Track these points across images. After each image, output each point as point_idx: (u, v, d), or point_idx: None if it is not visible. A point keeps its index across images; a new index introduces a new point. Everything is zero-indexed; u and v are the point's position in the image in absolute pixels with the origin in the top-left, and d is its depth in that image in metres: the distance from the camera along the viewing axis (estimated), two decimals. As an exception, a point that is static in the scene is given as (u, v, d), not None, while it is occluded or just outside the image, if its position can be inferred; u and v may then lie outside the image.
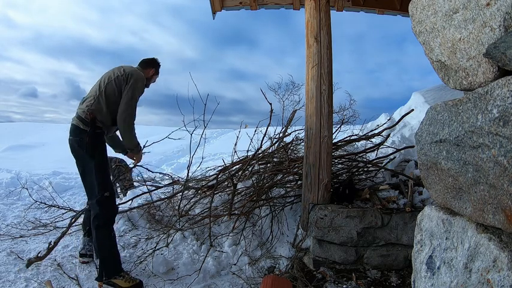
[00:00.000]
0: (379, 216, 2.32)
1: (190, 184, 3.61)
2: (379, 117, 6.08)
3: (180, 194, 3.33)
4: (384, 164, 3.46)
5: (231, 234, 2.78)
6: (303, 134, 3.13)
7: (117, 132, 2.48)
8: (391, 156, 3.57)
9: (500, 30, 0.71)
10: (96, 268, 2.23)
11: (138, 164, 2.87)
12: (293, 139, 4.05)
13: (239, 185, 3.22)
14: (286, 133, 4.20)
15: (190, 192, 3.63)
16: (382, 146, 3.78)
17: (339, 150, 3.91)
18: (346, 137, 4.09)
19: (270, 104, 3.56)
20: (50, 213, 3.64)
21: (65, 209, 3.54)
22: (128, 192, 3.86)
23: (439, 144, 0.89)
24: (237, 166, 3.61)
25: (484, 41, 0.76)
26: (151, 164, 4.16)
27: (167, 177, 4.21)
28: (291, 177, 3.29)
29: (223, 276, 2.41)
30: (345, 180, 2.94)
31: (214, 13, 3.41)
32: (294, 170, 3.24)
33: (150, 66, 2.54)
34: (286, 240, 2.76)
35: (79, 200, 4.64)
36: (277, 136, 4.16)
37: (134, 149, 2.45)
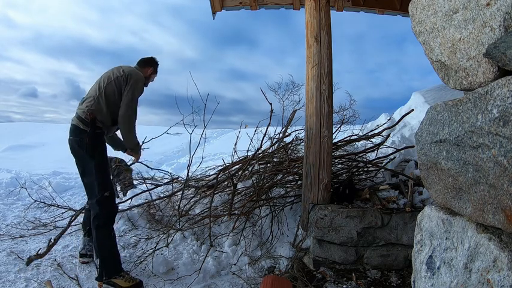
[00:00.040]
0: (379, 216, 2.32)
1: (190, 183, 3.61)
2: (379, 117, 6.09)
3: (180, 193, 3.33)
4: (383, 164, 3.46)
5: (231, 234, 2.78)
6: (303, 134, 3.13)
7: (117, 132, 2.50)
8: (391, 156, 3.57)
9: (500, 30, 0.71)
10: (96, 268, 2.23)
11: (137, 161, 2.89)
12: (293, 139, 4.05)
13: (239, 185, 3.22)
14: (286, 133, 4.20)
15: (190, 192, 3.64)
16: (382, 146, 3.78)
17: (339, 150, 3.91)
18: (346, 137, 4.09)
19: (270, 104, 3.57)
20: (49, 212, 3.65)
21: (64, 208, 3.55)
22: (128, 192, 3.87)
23: (439, 144, 0.89)
24: (237, 166, 3.61)
25: (484, 41, 0.76)
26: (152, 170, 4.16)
27: (167, 176, 4.21)
28: (291, 177, 3.29)
29: (223, 276, 2.41)
30: (345, 180, 2.94)
31: (214, 13, 3.41)
32: (294, 170, 3.24)
33: (149, 65, 2.56)
34: (286, 240, 2.76)
35: (79, 200, 4.64)
36: (277, 136, 4.16)
37: (134, 149, 2.49)
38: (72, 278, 2.27)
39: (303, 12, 2.79)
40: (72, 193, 5.06)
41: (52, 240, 2.57)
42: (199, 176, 4.11)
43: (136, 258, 2.57)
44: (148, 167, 3.79)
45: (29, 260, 2.36)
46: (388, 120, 5.49)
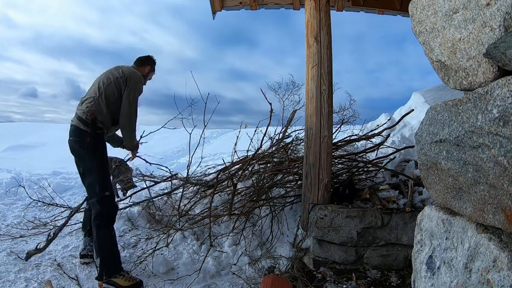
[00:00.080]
0: (379, 216, 2.32)
1: (190, 181, 3.61)
2: (379, 117, 6.08)
3: (180, 192, 3.34)
4: (383, 164, 3.46)
5: (231, 234, 2.78)
6: (303, 134, 3.13)
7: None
8: (391, 156, 3.57)
9: (500, 30, 0.71)
10: (97, 267, 2.24)
11: (134, 157, 2.91)
12: (293, 139, 4.05)
13: (239, 185, 3.22)
14: (286, 133, 4.20)
15: (190, 192, 3.64)
16: (382, 146, 3.78)
17: (339, 150, 3.91)
18: (346, 137, 4.09)
19: (270, 104, 3.57)
20: (48, 211, 3.64)
21: (63, 207, 3.55)
22: (128, 192, 3.87)
23: (439, 144, 0.89)
24: (237, 166, 3.61)
25: (484, 41, 0.76)
26: (152, 166, 4.16)
27: (166, 174, 4.21)
28: (291, 177, 3.29)
29: (223, 276, 2.41)
30: (345, 180, 2.94)
31: (214, 13, 3.41)
32: (294, 170, 3.24)
33: (146, 64, 2.56)
34: (286, 240, 2.76)
35: (79, 200, 4.62)
36: (277, 136, 4.16)
37: (133, 148, 2.56)
38: (72, 278, 2.27)
39: (303, 12, 2.80)
40: (72, 193, 5.05)
41: (51, 235, 2.58)
42: (199, 174, 4.11)
43: (136, 258, 2.57)
44: (146, 161, 3.79)
45: (28, 255, 2.36)
46: (388, 120, 5.49)
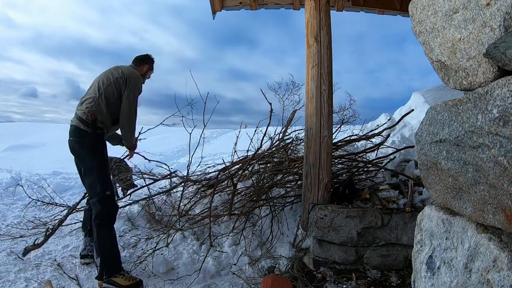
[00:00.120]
0: (379, 216, 2.32)
1: (190, 179, 3.61)
2: (379, 117, 6.08)
3: (180, 192, 3.33)
4: (383, 164, 3.46)
5: (231, 234, 2.78)
6: (303, 134, 3.13)
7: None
8: (391, 156, 3.57)
9: (500, 30, 0.71)
10: (97, 267, 2.24)
11: (132, 155, 2.92)
12: (293, 139, 4.05)
13: (239, 185, 3.22)
14: (286, 133, 4.20)
15: (190, 191, 3.64)
16: (382, 146, 3.77)
17: (339, 150, 3.91)
18: (346, 137, 4.09)
19: (270, 104, 3.57)
20: (48, 211, 3.64)
21: (63, 206, 3.54)
22: (128, 192, 3.87)
23: (439, 144, 0.89)
24: (237, 166, 3.61)
25: (484, 41, 0.76)
26: (151, 164, 4.15)
27: (166, 172, 4.21)
28: (291, 177, 3.29)
29: (223, 276, 2.41)
30: (345, 180, 2.94)
31: (214, 13, 3.41)
32: (294, 170, 3.23)
33: (144, 63, 2.57)
34: (286, 240, 2.76)
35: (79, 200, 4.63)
36: (277, 136, 4.16)
37: (132, 147, 2.58)
38: (72, 278, 2.27)
39: (303, 12, 2.80)
40: (72, 193, 5.05)
41: (50, 230, 2.58)
42: (198, 173, 4.11)
43: (136, 258, 2.57)
44: (145, 158, 3.78)
45: (26, 251, 2.36)
46: (388, 120, 5.49)
